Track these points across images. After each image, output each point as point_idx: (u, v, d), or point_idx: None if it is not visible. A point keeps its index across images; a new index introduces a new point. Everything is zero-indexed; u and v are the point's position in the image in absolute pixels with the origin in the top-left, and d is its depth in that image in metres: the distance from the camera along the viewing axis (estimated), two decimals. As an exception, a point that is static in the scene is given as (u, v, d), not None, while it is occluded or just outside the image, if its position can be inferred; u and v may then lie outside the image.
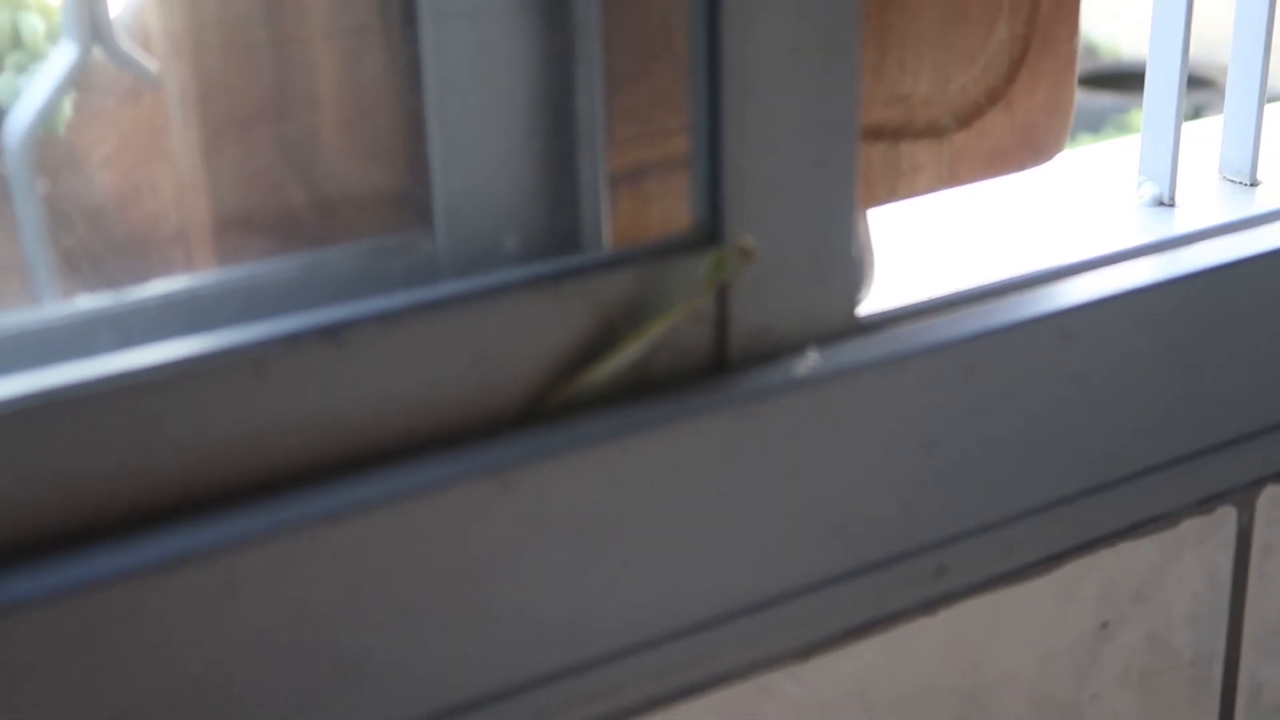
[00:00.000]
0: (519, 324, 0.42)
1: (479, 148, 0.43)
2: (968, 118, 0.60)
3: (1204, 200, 0.60)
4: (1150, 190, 0.61)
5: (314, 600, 0.39)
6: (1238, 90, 0.64)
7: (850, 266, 0.47)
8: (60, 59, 0.45)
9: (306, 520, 0.38)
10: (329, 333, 0.39)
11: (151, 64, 0.46)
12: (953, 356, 0.47)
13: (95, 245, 0.51)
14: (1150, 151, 0.61)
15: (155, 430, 0.38)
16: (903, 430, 0.47)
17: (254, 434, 0.39)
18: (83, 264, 0.51)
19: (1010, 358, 0.48)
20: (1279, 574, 0.58)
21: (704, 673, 0.46)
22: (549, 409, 0.43)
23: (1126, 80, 3.38)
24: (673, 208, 0.48)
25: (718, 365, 0.45)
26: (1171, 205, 0.59)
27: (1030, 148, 0.62)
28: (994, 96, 0.61)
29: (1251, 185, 0.61)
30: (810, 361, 0.45)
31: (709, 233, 0.45)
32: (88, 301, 0.41)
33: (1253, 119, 0.63)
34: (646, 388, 0.44)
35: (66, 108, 0.51)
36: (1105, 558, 0.53)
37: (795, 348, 0.46)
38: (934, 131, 0.59)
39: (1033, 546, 0.51)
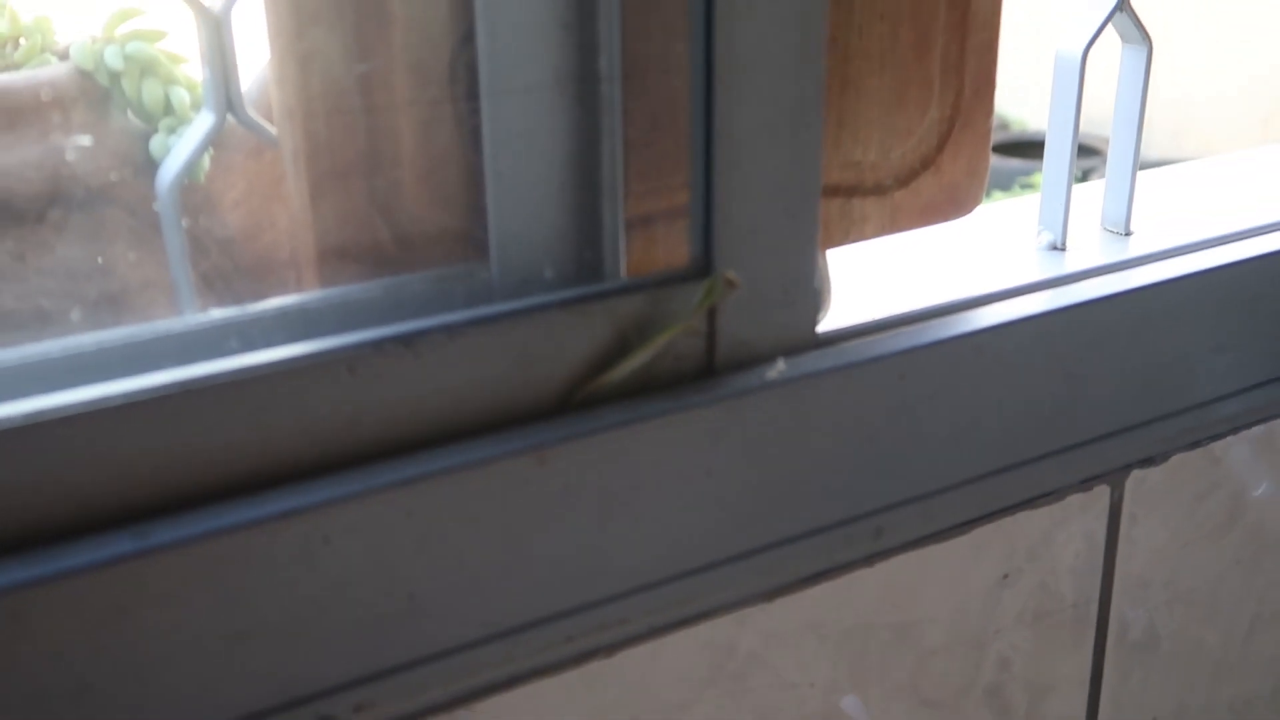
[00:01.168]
0: (554, 335, 0.42)
1: (525, 197, 0.44)
2: (905, 179, 0.60)
3: (1089, 246, 0.60)
4: (1046, 238, 0.61)
5: (391, 548, 0.39)
6: (1117, 159, 0.64)
7: (812, 294, 0.47)
8: (201, 124, 0.45)
9: (386, 486, 0.39)
10: (406, 340, 0.40)
11: (271, 129, 0.47)
12: (891, 366, 0.47)
13: (226, 269, 0.51)
14: (1047, 207, 0.61)
15: (270, 414, 0.38)
16: (851, 422, 0.47)
17: (347, 419, 0.39)
18: (216, 284, 0.51)
19: (936, 367, 0.48)
20: (1142, 538, 0.58)
21: (693, 609, 0.47)
22: (577, 402, 0.43)
23: (1031, 148, 3.37)
24: (674, 247, 0.49)
25: (707, 370, 0.46)
26: (1063, 250, 0.59)
27: (954, 203, 0.63)
28: (926, 163, 0.61)
29: (1126, 235, 0.61)
30: (779, 368, 0.45)
31: (702, 267, 0.45)
32: (219, 314, 0.41)
33: (1128, 182, 0.63)
34: (652, 387, 0.44)
35: (206, 161, 0.51)
36: (1007, 524, 0.53)
37: (768, 358, 0.46)
38: (879, 190, 0.60)
39: (951, 514, 0.51)
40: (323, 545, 0.38)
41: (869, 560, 0.50)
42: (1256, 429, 0.60)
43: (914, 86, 0.59)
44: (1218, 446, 0.59)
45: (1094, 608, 0.58)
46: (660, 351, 0.44)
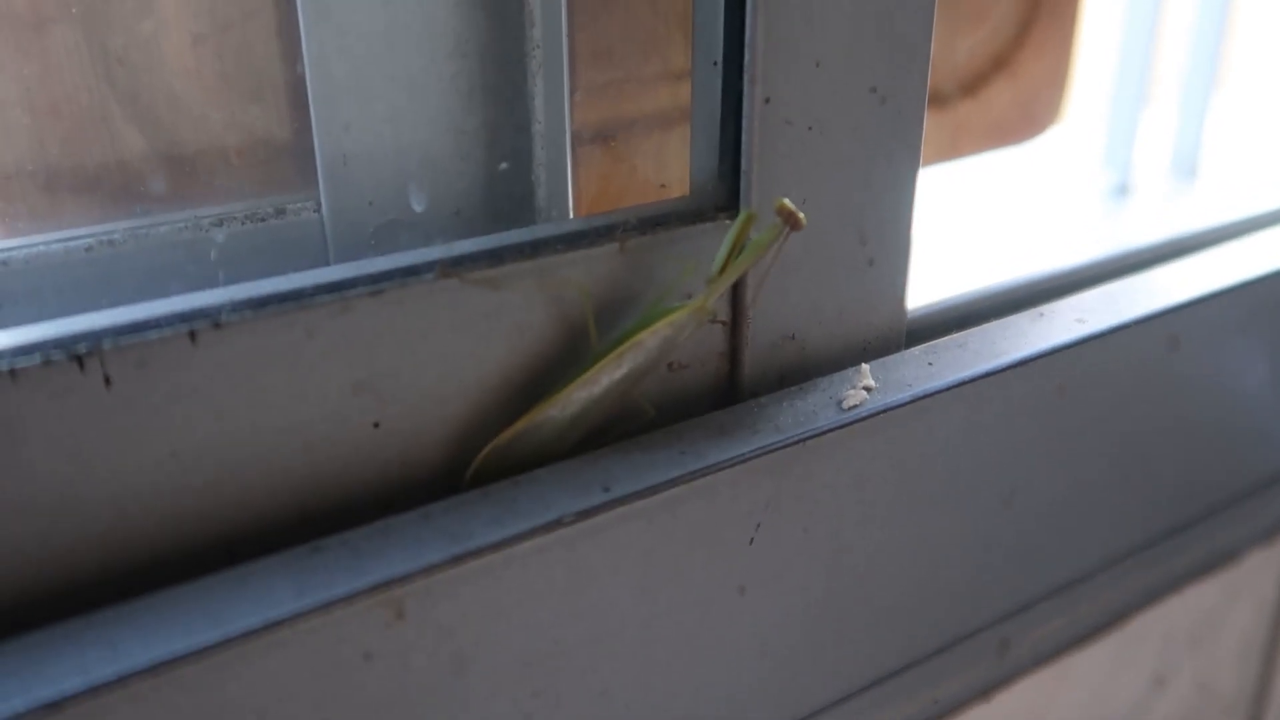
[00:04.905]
0: (426, 331, 0.17)
1: (380, 68, 0.18)
2: (973, 85, 0.36)
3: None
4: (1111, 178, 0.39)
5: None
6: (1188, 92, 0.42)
7: (907, 251, 0.22)
8: None
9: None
10: (74, 349, 0.14)
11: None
12: (1046, 373, 0.22)
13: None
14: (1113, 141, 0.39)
15: None
16: (981, 475, 0.22)
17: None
18: None
19: (1111, 375, 0.23)
20: (1314, 600, 0.34)
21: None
22: (479, 473, 0.18)
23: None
24: (646, 181, 0.24)
25: (729, 391, 0.20)
26: (1129, 192, 0.37)
27: (1028, 119, 0.39)
28: (1000, 62, 0.37)
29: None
30: (866, 385, 0.20)
31: (719, 199, 0.20)
32: None
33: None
34: (627, 428, 0.19)
35: None
36: (1171, 605, 0.29)
37: (837, 363, 0.21)
38: (938, 100, 0.35)
39: (1103, 603, 0.27)
40: None
41: (986, 694, 0.25)
42: None
43: (992, -50, 0.34)
44: None
45: (1248, 703, 0.34)
46: (646, 360, 0.19)
